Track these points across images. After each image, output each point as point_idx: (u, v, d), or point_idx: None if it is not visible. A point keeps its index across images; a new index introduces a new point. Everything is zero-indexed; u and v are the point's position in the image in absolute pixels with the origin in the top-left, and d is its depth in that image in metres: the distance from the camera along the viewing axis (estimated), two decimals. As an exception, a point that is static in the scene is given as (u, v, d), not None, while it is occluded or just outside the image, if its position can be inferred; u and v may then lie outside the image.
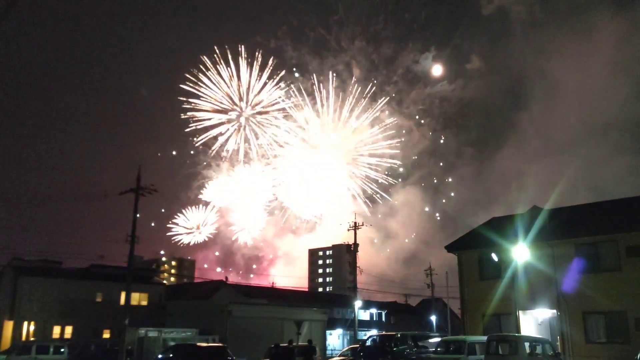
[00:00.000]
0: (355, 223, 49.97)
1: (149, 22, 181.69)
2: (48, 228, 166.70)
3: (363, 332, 58.86)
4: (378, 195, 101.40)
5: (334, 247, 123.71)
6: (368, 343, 30.87)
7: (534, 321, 28.91)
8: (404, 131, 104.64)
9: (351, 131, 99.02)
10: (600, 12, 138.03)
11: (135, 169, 32.89)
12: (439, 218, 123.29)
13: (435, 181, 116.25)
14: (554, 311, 27.39)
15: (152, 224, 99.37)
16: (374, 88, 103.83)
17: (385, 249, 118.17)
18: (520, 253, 27.38)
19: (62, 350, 33.62)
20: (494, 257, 29.25)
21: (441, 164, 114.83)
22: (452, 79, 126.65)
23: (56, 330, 46.14)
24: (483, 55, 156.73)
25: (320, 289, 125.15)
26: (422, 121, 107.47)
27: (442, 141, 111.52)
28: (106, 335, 47.55)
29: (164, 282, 74.41)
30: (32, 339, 42.53)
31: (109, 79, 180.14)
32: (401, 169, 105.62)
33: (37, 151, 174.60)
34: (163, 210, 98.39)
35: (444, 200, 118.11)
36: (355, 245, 50.00)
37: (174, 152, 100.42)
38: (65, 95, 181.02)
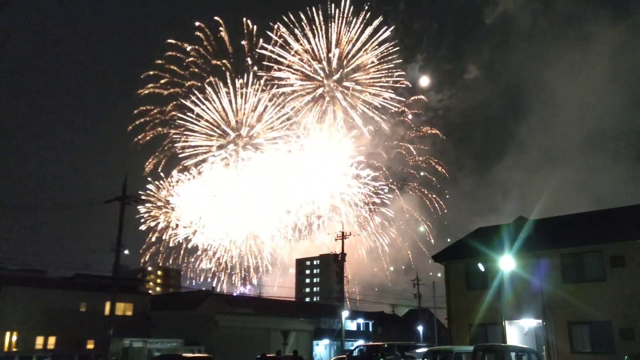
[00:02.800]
0: (342, 233, 49.98)
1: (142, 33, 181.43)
2: (32, 236, 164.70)
3: (350, 343, 58.65)
4: (376, 204, 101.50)
5: (322, 257, 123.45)
6: (355, 353, 30.88)
7: (520, 331, 29.02)
8: (401, 144, 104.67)
9: (350, 139, 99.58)
10: (596, 22, 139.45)
11: (122, 177, 32.78)
12: (437, 228, 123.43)
13: (434, 191, 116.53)
14: (540, 321, 27.54)
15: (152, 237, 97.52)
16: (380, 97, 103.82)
17: (382, 258, 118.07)
18: (506, 263, 27.53)
19: (45, 360, 33.14)
20: (481, 267, 29.36)
21: (442, 171, 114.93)
22: (451, 89, 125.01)
23: (39, 341, 45.39)
24: (481, 65, 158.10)
25: (308, 299, 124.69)
26: (422, 133, 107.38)
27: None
28: (90, 346, 46.88)
29: (150, 291, 73.82)
30: (14, 349, 41.86)
31: (98, 85, 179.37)
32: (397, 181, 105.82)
33: (21, 159, 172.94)
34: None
35: (444, 210, 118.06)
36: (343, 255, 49.95)
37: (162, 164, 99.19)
38: (50, 102, 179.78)
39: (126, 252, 32.02)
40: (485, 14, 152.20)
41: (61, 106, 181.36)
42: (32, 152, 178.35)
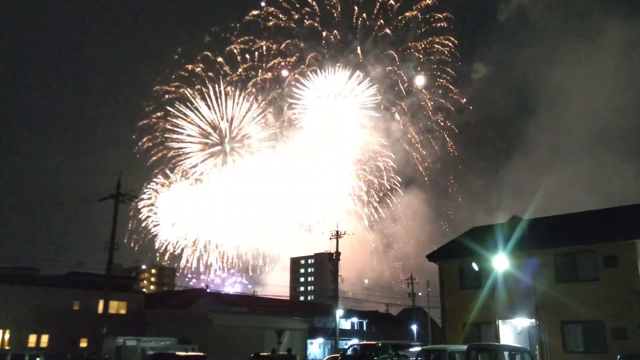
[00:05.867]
0: (337, 232, 49.97)
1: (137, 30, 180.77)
2: (25, 234, 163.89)
3: (344, 342, 58.70)
4: (383, 202, 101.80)
5: (316, 256, 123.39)
6: (349, 352, 30.87)
7: (513, 330, 29.12)
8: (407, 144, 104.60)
9: (359, 138, 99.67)
10: (608, 17, 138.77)
11: (116, 175, 32.64)
12: (442, 228, 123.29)
13: (441, 190, 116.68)
14: (533, 320, 27.62)
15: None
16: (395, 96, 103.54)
17: (386, 256, 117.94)
18: (500, 263, 27.59)
19: (38, 359, 33.00)
20: (475, 266, 29.43)
21: (451, 178, 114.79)
22: (462, 88, 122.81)
23: (32, 339, 45.27)
24: (492, 64, 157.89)
25: (302, 298, 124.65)
26: (429, 137, 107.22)
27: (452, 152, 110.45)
28: (83, 344, 46.84)
29: (144, 290, 73.61)
30: (7, 347, 41.70)
31: (91, 82, 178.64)
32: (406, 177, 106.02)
33: (15, 157, 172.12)
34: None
35: (449, 210, 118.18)
36: (337, 254, 49.96)
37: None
38: (46, 101, 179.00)
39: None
40: (500, 9, 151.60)
41: (56, 105, 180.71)
42: (26, 150, 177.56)
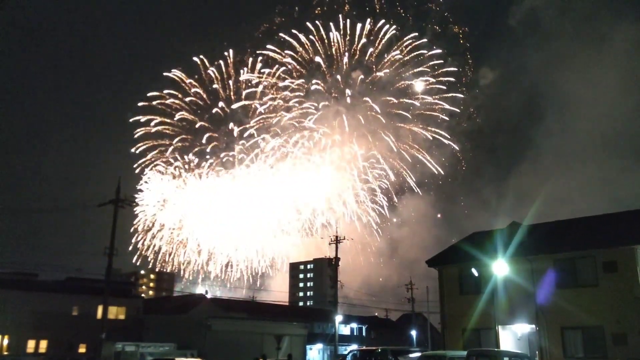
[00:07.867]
0: (336, 237, 49.93)
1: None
2: (24, 239, 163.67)
3: (343, 347, 58.55)
4: (388, 206, 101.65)
5: (315, 261, 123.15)
6: (349, 358, 30.82)
7: (513, 336, 29.08)
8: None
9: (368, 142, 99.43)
10: (617, 20, 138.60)
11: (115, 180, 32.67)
12: (449, 233, 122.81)
13: (449, 195, 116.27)
14: (533, 326, 27.61)
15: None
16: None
17: (391, 260, 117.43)
18: (500, 268, 27.59)
19: (37, 364, 32.90)
20: (474, 272, 29.42)
21: (458, 184, 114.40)
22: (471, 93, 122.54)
23: (30, 345, 45.11)
24: (500, 68, 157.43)
25: (301, 303, 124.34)
26: (437, 143, 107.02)
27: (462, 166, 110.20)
28: (82, 350, 46.64)
29: (142, 295, 73.48)
30: (5, 353, 41.57)
31: (90, 85, 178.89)
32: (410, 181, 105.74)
33: (13, 161, 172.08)
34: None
35: (457, 216, 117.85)
36: (337, 259, 49.91)
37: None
38: (42, 103, 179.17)
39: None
40: (511, 12, 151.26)
41: (55, 109, 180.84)
42: (25, 154, 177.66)
